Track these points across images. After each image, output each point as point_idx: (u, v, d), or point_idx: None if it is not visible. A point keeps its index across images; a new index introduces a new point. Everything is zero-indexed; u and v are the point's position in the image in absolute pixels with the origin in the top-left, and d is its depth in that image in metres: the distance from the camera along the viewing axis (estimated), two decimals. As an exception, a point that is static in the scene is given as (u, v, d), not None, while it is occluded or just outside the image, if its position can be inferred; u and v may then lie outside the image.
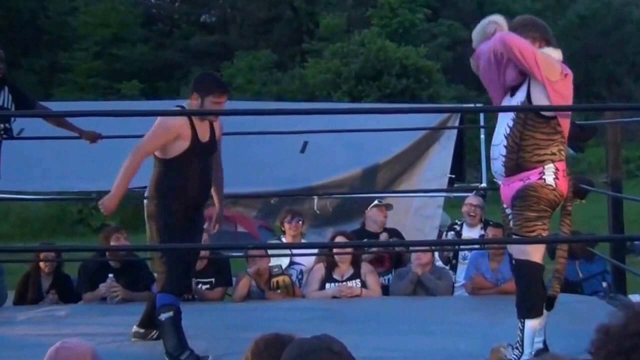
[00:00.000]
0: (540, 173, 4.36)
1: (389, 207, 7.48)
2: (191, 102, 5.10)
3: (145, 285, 6.98)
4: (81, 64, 29.85)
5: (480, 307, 6.36)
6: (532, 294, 4.43)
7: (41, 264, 7.11)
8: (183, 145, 5.03)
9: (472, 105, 9.47)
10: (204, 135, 5.13)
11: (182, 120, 5.02)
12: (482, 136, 8.27)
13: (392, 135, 7.89)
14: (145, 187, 8.26)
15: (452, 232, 7.51)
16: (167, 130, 5.00)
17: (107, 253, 6.90)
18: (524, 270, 4.44)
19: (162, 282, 5.00)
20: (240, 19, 34.01)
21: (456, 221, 7.74)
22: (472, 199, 7.42)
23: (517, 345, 4.46)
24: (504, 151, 4.43)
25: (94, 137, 6.17)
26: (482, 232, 7.28)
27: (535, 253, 4.42)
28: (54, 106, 9.70)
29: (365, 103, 24.46)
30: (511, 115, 4.42)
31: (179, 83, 29.07)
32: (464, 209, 7.45)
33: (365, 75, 27.52)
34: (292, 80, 29.51)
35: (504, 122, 4.46)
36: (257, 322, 5.46)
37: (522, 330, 4.43)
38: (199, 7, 35.87)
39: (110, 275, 6.75)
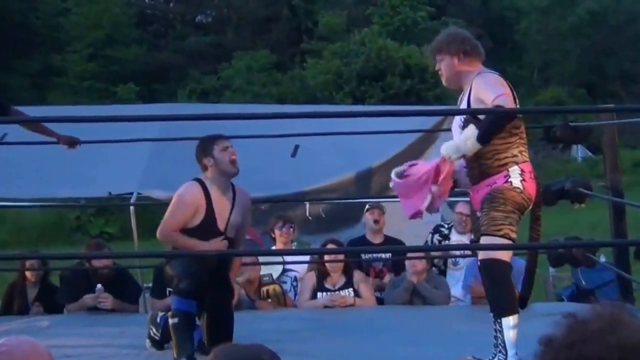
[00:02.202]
0: (505, 176, 4.35)
1: (381, 209, 7.23)
2: (206, 170, 5.13)
3: (133, 298, 6.82)
4: (75, 66, 29.54)
5: (478, 316, 6.16)
6: (503, 293, 4.35)
7: (27, 273, 6.94)
8: (197, 219, 5.05)
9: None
10: (222, 211, 5.10)
11: (199, 194, 5.06)
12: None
13: (386, 138, 7.71)
14: (131, 193, 8.20)
15: (438, 235, 7.24)
16: (185, 205, 5.05)
17: (90, 267, 6.71)
18: (491, 270, 4.35)
19: (173, 285, 5.04)
20: (237, 19, 33.82)
21: (442, 223, 7.44)
22: (462, 207, 7.03)
23: (500, 348, 4.36)
24: (464, 163, 4.45)
25: (72, 142, 5.96)
26: (473, 237, 7.09)
27: (502, 252, 4.35)
28: (49, 111, 9.57)
29: (368, 104, 24.30)
30: (459, 129, 4.41)
31: (176, 85, 28.89)
32: (455, 217, 7.20)
33: (368, 76, 27.41)
34: (292, 82, 29.37)
35: (457, 135, 4.44)
36: (246, 333, 5.27)
37: (501, 331, 4.34)
38: (194, 7, 35.68)
39: (99, 285, 6.59)
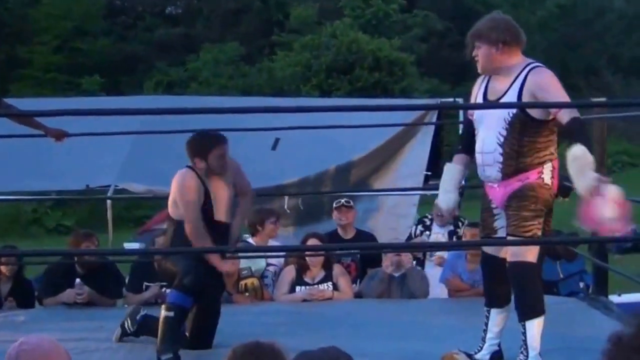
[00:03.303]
0: (539, 172, 4.31)
1: (348, 206, 7.18)
2: (197, 167, 5.06)
3: (114, 292, 6.73)
4: (41, 58, 28.96)
5: (456, 309, 6.25)
6: (529, 295, 4.34)
7: (2, 268, 6.82)
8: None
9: (451, 100, 9.28)
10: (221, 195, 5.09)
11: (195, 179, 5.04)
12: (461, 132, 8.06)
13: (367, 131, 7.70)
14: (109, 186, 8.13)
15: (421, 226, 7.37)
16: (192, 189, 5.00)
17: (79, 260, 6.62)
18: (518, 272, 4.33)
19: (176, 279, 4.98)
20: (207, 11, 33.57)
21: (426, 214, 7.55)
22: None
23: (522, 349, 4.36)
24: (500, 158, 4.34)
25: (60, 135, 5.93)
26: (452, 229, 7.22)
27: (530, 253, 4.32)
28: (14, 103, 9.43)
29: (335, 97, 24.23)
30: (502, 122, 4.30)
31: (142, 77, 28.58)
32: (435, 210, 7.20)
33: (337, 69, 27.33)
34: (260, 74, 29.19)
35: (494, 130, 4.34)
36: (224, 327, 5.28)
37: (524, 333, 4.34)
38: (164, -2, 35.37)
39: (78, 280, 6.51)
